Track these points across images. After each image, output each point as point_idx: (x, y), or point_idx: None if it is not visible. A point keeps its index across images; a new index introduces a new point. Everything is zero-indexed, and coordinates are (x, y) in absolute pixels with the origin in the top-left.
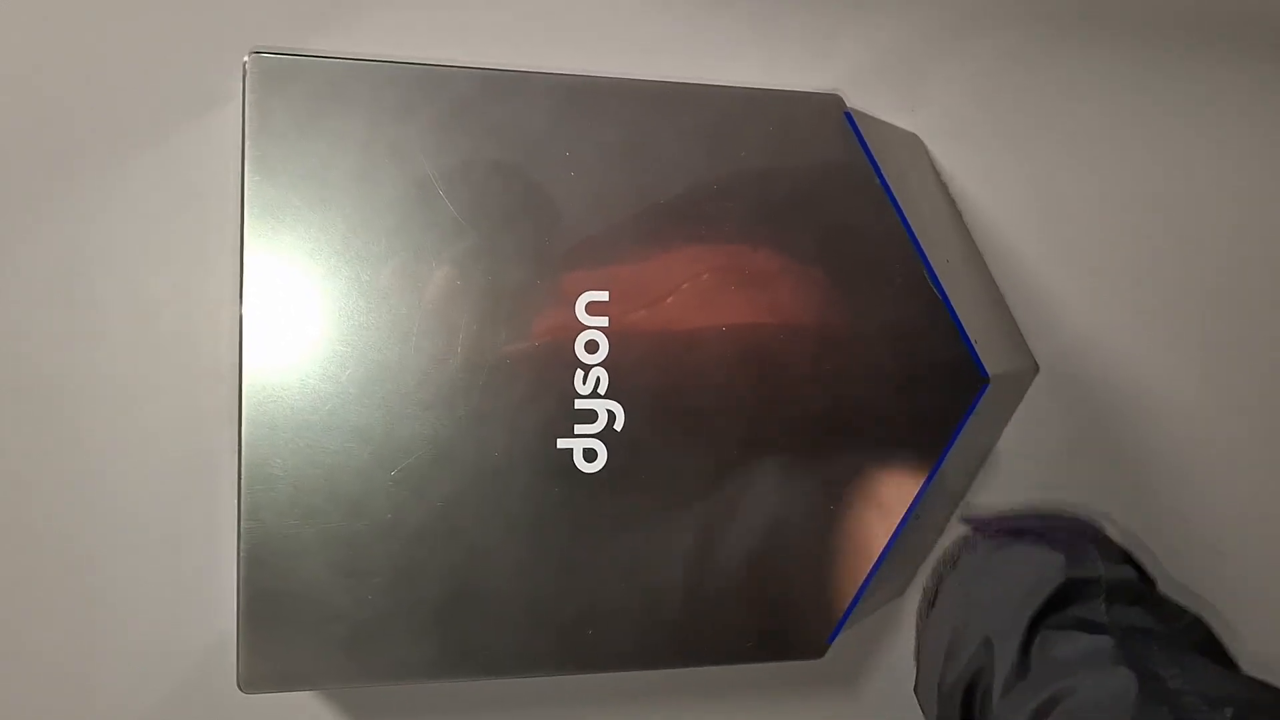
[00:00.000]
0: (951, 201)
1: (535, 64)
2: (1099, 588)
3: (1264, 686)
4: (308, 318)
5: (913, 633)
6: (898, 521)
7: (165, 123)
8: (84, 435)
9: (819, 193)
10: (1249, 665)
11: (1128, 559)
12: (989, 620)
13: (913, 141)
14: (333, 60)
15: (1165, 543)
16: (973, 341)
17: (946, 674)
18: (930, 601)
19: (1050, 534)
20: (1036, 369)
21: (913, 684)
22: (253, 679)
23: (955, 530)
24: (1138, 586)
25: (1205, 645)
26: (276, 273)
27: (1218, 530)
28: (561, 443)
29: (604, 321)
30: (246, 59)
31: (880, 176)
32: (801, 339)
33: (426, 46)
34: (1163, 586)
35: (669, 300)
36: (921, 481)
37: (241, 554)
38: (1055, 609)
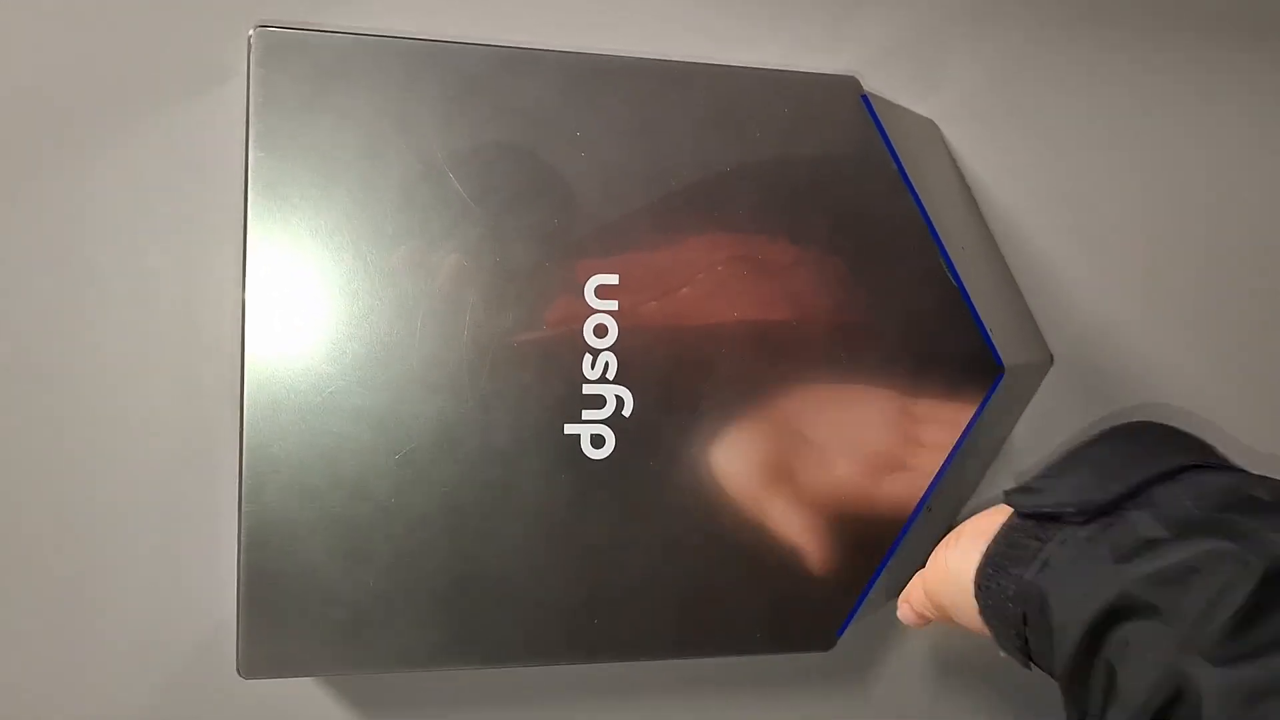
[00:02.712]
0: (967, 188)
1: (546, 41)
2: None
3: None
4: (311, 297)
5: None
6: (910, 511)
7: (169, 98)
8: (83, 416)
9: (834, 177)
10: None
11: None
12: (1164, 637)
13: (928, 126)
14: (339, 35)
15: None
16: (989, 331)
17: (1106, 707)
18: (1009, 617)
19: (1147, 490)
20: (1051, 360)
21: (924, 677)
22: (253, 665)
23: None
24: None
25: None
26: (280, 251)
27: None
28: (569, 428)
29: (613, 305)
30: (251, 33)
31: (896, 161)
32: (814, 326)
33: (435, 22)
34: None
35: (683, 289)
36: (936, 471)
37: (242, 537)
38: (1258, 615)
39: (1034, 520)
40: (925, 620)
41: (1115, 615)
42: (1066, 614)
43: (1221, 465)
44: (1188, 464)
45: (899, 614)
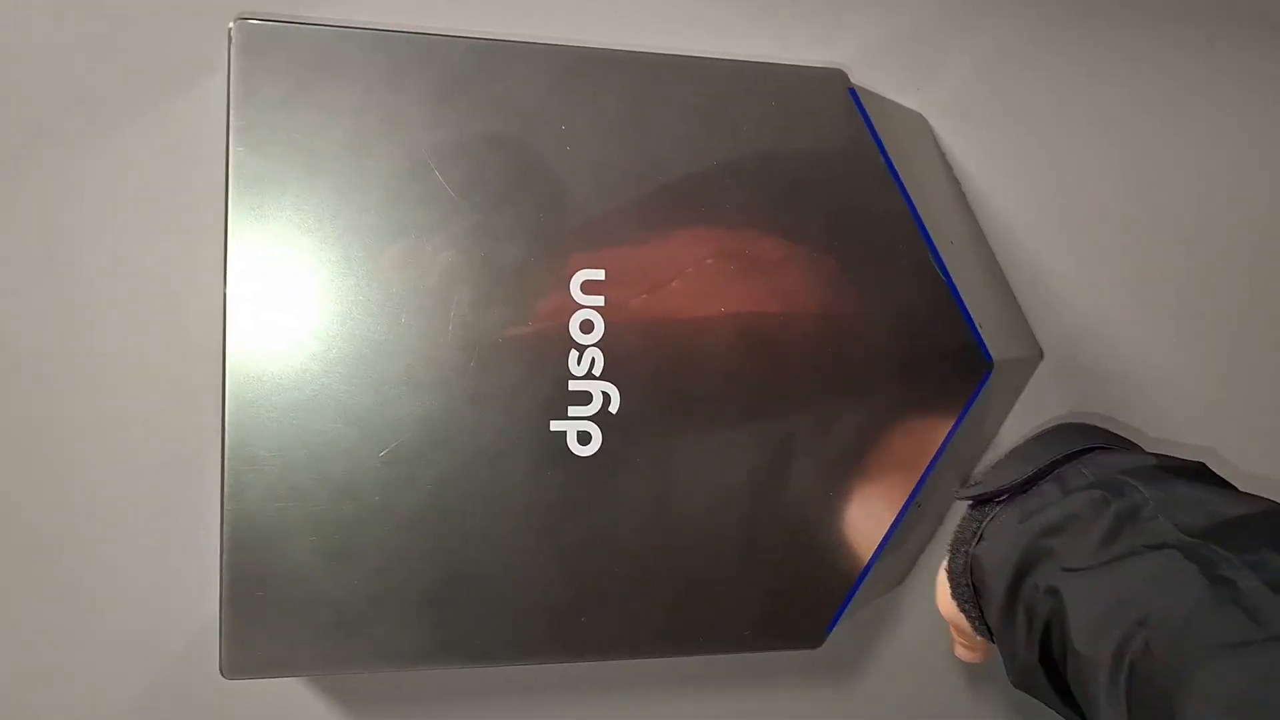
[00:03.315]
0: (956, 182)
1: (532, 34)
2: (1150, 509)
3: None
4: (295, 294)
5: (913, 624)
6: (899, 508)
7: (149, 93)
8: (64, 415)
9: (821, 171)
10: None
11: (1155, 464)
12: (1049, 573)
13: (917, 120)
14: (322, 27)
15: None
16: (978, 326)
17: (1020, 646)
18: (964, 586)
19: (1062, 474)
20: (1041, 355)
21: (914, 674)
22: (236, 665)
23: (957, 512)
24: (1188, 495)
25: (1270, 530)
26: (262, 247)
27: None
28: (555, 425)
29: (600, 301)
30: (232, 25)
31: (884, 155)
32: (802, 321)
33: (420, 14)
34: None
35: (670, 284)
36: (924, 467)
37: (225, 537)
38: (1112, 539)
39: (976, 506)
40: (973, 650)
41: (1024, 567)
42: (993, 576)
43: (1128, 448)
44: (1094, 446)
45: (959, 656)
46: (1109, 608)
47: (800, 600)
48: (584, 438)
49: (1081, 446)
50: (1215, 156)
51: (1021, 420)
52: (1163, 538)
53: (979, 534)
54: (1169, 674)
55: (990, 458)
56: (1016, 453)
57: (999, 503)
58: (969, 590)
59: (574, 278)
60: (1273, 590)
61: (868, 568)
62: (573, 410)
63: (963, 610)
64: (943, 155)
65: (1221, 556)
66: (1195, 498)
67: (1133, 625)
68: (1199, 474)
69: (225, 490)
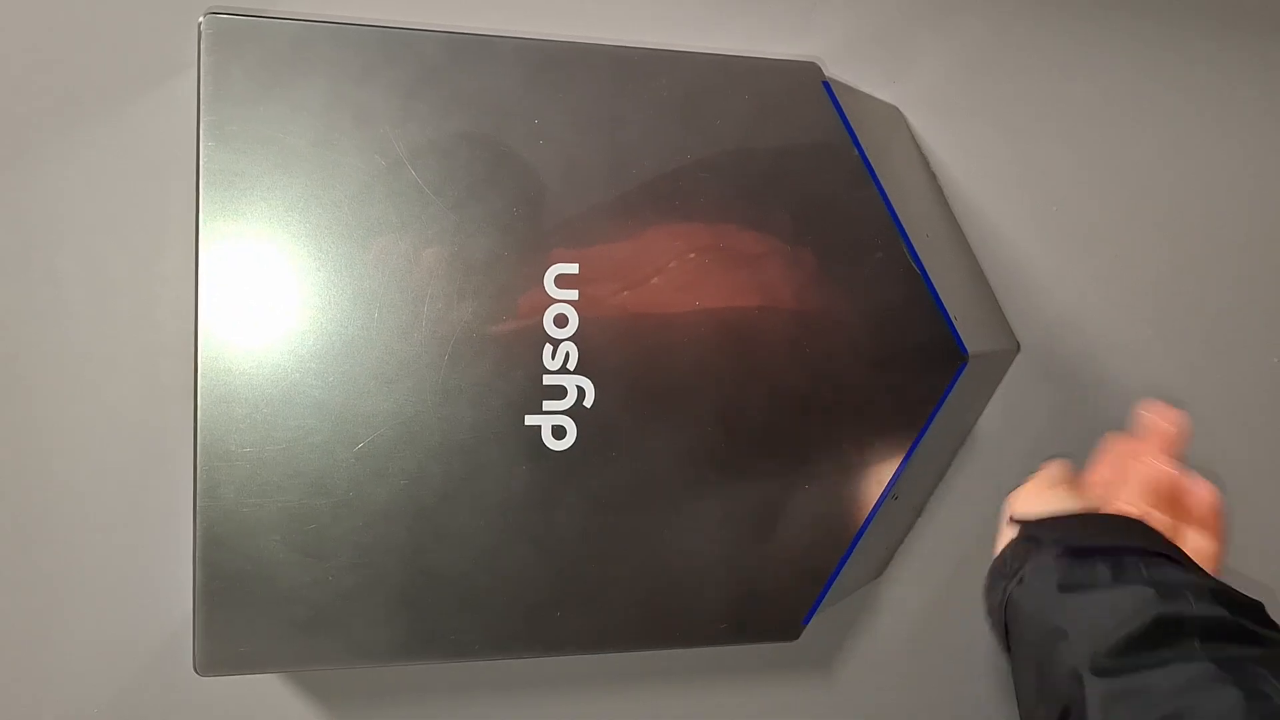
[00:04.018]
0: (933, 176)
1: (504, 28)
2: (1191, 626)
3: None
4: (266, 290)
5: (891, 616)
6: (874, 501)
7: (119, 89)
8: (36, 413)
9: (796, 165)
10: None
11: (1221, 591)
12: (1076, 654)
13: (893, 114)
14: (292, 22)
15: None
16: (953, 319)
17: (1037, 713)
18: (1000, 622)
19: (1123, 560)
20: (1018, 348)
21: (892, 666)
22: (210, 662)
23: (997, 526)
24: (1233, 624)
25: None
26: (233, 243)
27: None
28: (529, 419)
29: (574, 295)
30: (201, 20)
31: (859, 148)
32: (777, 315)
33: (391, 8)
34: None
35: (645, 278)
36: (899, 460)
37: (198, 533)
38: (1143, 648)
39: (1025, 543)
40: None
41: (1052, 637)
42: (1024, 626)
43: (1194, 566)
44: (1171, 555)
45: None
46: (1134, 714)
47: (776, 593)
48: (559, 432)
49: (1154, 548)
50: (1189, 148)
51: (999, 412)
52: (1198, 653)
53: (1020, 575)
54: None
55: (967, 450)
56: (1090, 520)
57: (1046, 550)
58: (1002, 625)
59: (548, 272)
60: None
61: (843, 560)
62: (547, 405)
63: (994, 631)
64: (918, 148)
65: (1258, 674)
66: (1239, 627)
67: None
68: (1253, 610)
69: (198, 487)
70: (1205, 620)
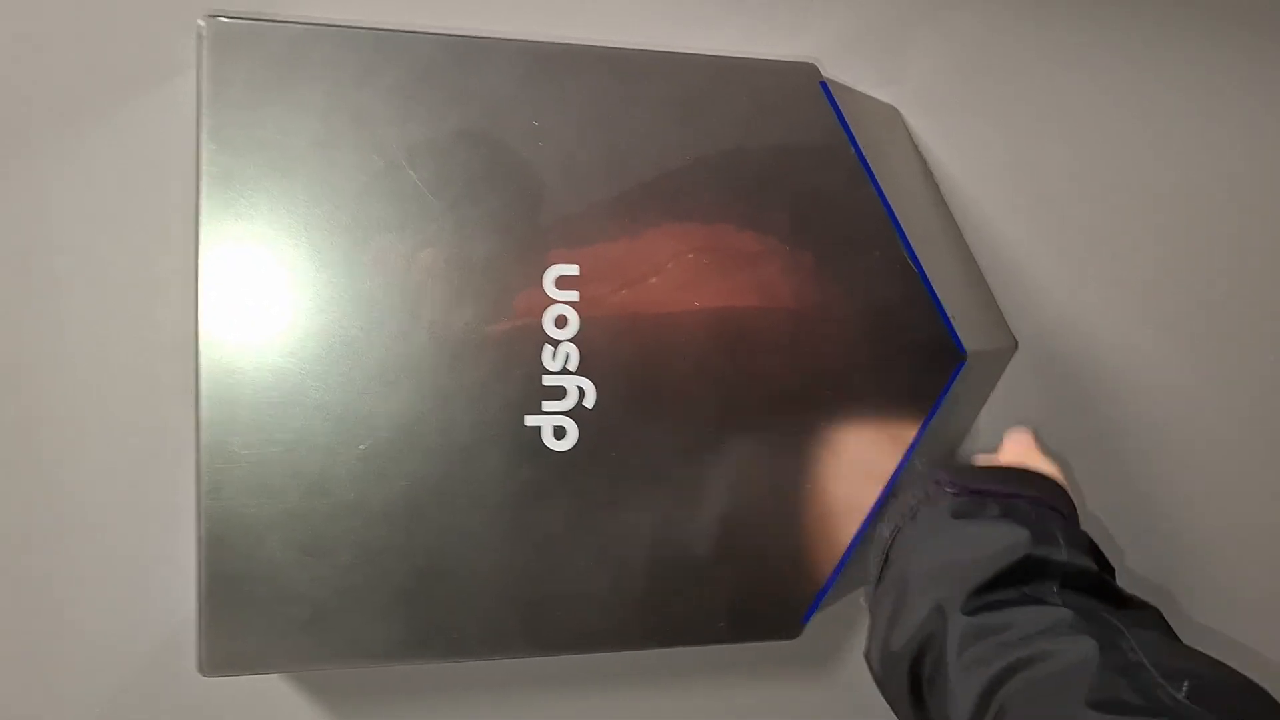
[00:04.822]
0: (930, 175)
1: (502, 29)
2: (1055, 570)
3: (1220, 664)
4: (267, 292)
5: None
6: (874, 499)
7: (120, 92)
8: (40, 415)
9: (793, 165)
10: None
11: (1091, 547)
12: (941, 586)
13: (891, 114)
14: (292, 24)
15: (1148, 522)
16: (950, 317)
17: (893, 638)
18: (884, 552)
19: (1014, 504)
20: (1015, 346)
21: None
22: (214, 662)
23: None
24: (1095, 576)
25: (1160, 630)
26: (234, 245)
27: (1200, 510)
28: (530, 420)
29: (574, 296)
30: (201, 23)
31: (856, 148)
32: (776, 315)
33: (390, 10)
34: (1130, 563)
35: (644, 279)
36: (899, 458)
37: (202, 534)
38: (1008, 584)
39: (929, 484)
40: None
41: (929, 577)
42: (906, 560)
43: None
44: (1062, 510)
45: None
46: (991, 650)
47: (777, 592)
48: (559, 432)
49: (1048, 500)
50: (1187, 147)
51: (997, 410)
52: (1058, 597)
53: (915, 512)
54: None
55: (966, 447)
56: (997, 469)
57: (945, 490)
58: (883, 558)
59: (547, 273)
60: (1159, 671)
61: (844, 558)
62: (547, 405)
63: (872, 564)
64: (916, 148)
65: (1115, 628)
66: (1102, 581)
67: (1016, 662)
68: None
69: (201, 488)
70: (1071, 567)
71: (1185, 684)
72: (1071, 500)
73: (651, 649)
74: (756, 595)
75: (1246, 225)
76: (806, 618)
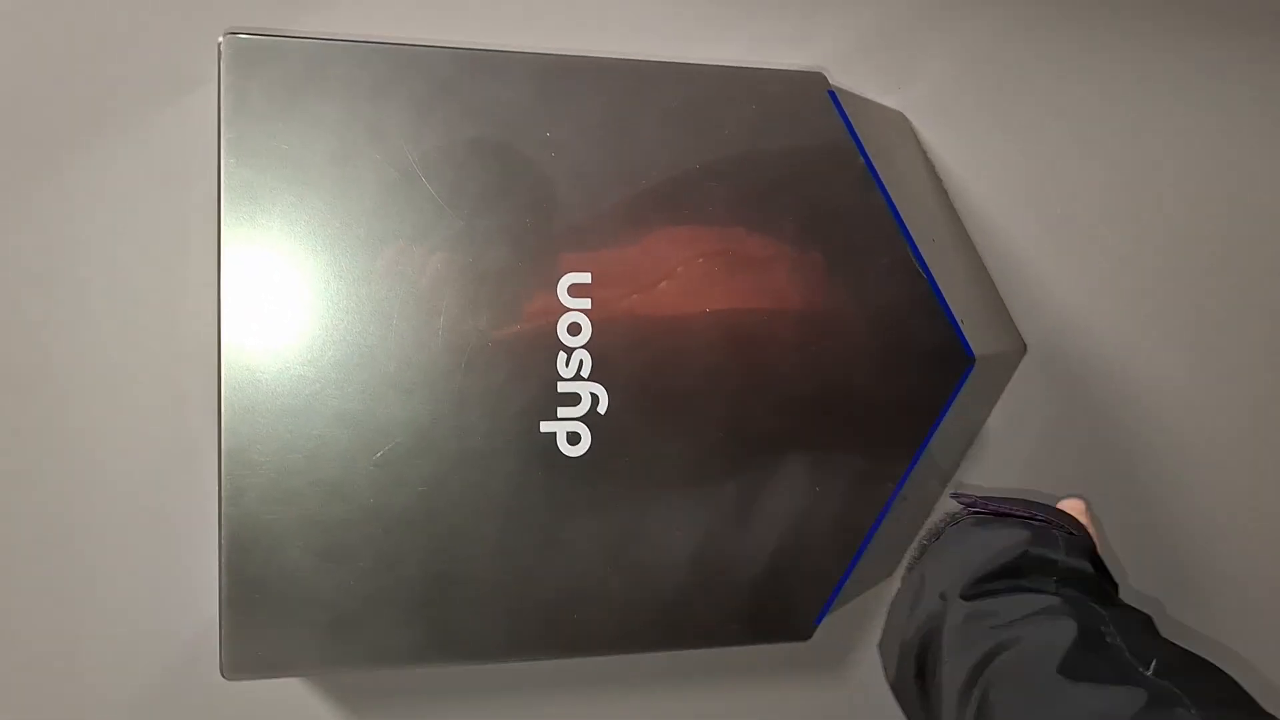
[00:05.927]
0: (938, 180)
1: (515, 43)
2: (1054, 568)
3: (1193, 654)
4: (286, 302)
5: None
6: (885, 501)
7: (143, 106)
8: (64, 422)
9: (802, 173)
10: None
11: (1094, 559)
12: (948, 579)
13: (899, 120)
14: (309, 40)
15: (1155, 522)
16: (959, 321)
17: (908, 629)
18: (909, 567)
19: (1031, 520)
20: (1024, 349)
21: None
22: (236, 666)
23: (945, 506)
24: (1093, 579)
25: (1144, 626)
26: (254, 256)
27: (1208, 511)
28: (545, 426)
29: (586, 304)
30: (221, 40)
31: (864, 155)
32: (786, 320)
33: (404, 25)
34: (1137, 565)
35: (655, 286)
36: (908, 461)
37: (223, 540)
38: (1008, 576)
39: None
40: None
41: (940, 562)
42: (924, 562)
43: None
44: (1087, 541)
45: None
46: (979, 633)
47: (789, 594)
48: (573, 438)
49: (1068, 528)
50: (1195, 150)
51: (1007, 413)
52: (1052, 587)
53: (941, 534)
54: (1022, 691)
55: (975, 450)
56: (1021, 500)
57: (968, 510)
58: (919, 578)
59: (561, 281)
60: (1131, 652)
61: (854, 560)
62: (562, 411)
63: (906, 587)
64: (924, 153)
65: (1101, 618)
66: (1098, 585)
67: (1002, 641)
68: (1117, 586)
69: (223, 494)
70: (1069, 567)
71: (1154, 662)
72: (1092, 538)
73: (665, 651)
74: (768, 597)
75: (1256, 230)
76: (818, 619)
